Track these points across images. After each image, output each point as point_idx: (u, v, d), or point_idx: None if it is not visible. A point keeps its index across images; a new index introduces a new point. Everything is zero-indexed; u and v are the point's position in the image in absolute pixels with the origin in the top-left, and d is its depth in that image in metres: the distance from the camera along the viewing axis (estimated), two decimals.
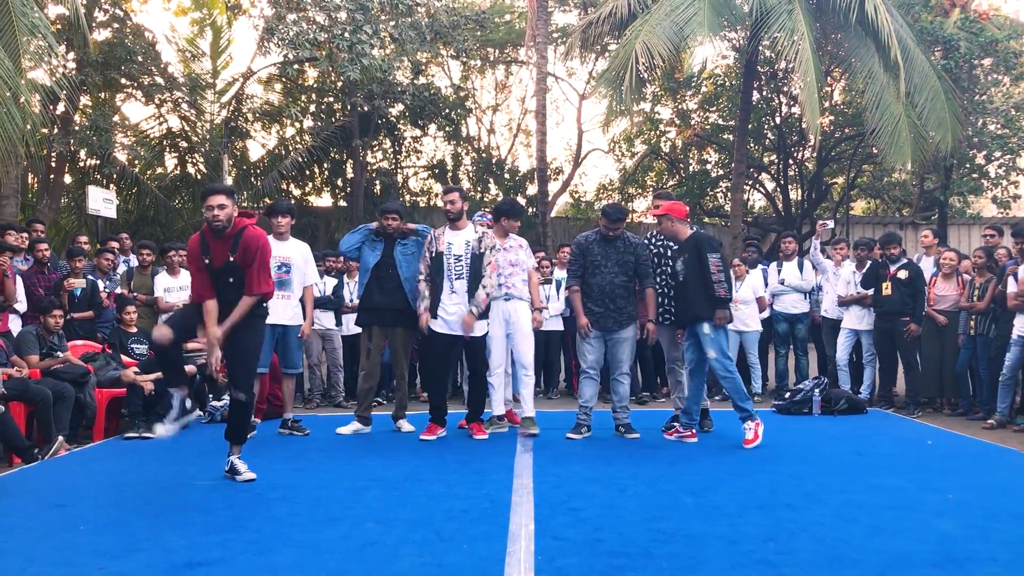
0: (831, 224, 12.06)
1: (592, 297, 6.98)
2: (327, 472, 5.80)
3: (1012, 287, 7.72)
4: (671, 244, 7.14)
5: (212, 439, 6.83)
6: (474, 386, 7.26)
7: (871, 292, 8.96)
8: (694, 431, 6.94)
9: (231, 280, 5.33)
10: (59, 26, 13.55)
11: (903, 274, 8.60)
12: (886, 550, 3.95)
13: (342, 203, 19.63)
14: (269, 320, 6.82)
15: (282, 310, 7.10)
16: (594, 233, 7.16)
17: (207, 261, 5.37)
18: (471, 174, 21.52)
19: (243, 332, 5.42)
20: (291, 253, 7.24)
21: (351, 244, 7.37)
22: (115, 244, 9.63)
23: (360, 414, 7.36)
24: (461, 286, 6.88)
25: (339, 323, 9.43)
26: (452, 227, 7.03)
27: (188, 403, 5.64)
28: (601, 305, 6.95)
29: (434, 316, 6.88)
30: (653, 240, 7.31)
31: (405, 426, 7.39)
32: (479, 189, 20.95)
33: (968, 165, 17.03)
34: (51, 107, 13.16)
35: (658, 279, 7.16)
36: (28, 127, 9.83)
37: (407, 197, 20.52)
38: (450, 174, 21.08)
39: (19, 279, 7.84)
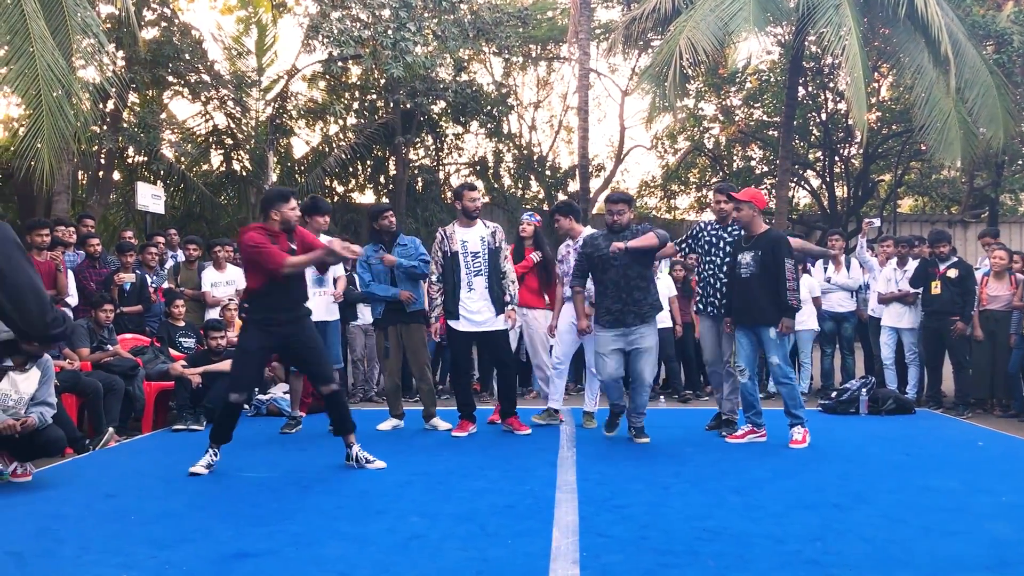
0: (877, 222, 11.89)
1: (608, 295, 6.49)
2: None
3: None
4: (724, 234, 6.95)
5: (259, 432, 6.92)
6: (503, 380, 7.18)
7: (912, 290, 8.85)
8: (764, 431, 6.71)
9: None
10: (109, 25, 13.77)
11: (953, 273, 8.45)
12: (937, 552, 3.89)
13: (385, 200, 19.74)
14: (312, 317, 6.95)
15: (322, 306, 7.14)
16: (600, 231, 6.86)
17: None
18: (512, 171, 21.54)
19: (299, 336, 5.76)
20: None
21: (370, 286, 7.33)
22: (160, 239, 9.79)
23: (394, 413, 7.40)
24: (480, 282, 6.83)
25: None
26: (464, 224, 6.97)
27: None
28: (619, 301, 6.43)
29: (456, 316, 6.85)
30: (708, 228, 7.08)
31: (440, 424, 7.23)
32: (520, 186, 20.97)
33: (1020, 162, 16.70)
34: (101, 105, 13.39)
35: (707, 266, 7.02)
36: (79, 124, 10.01)
37: (449, 194, 20.58)
38: (491, 171, 21.11)
39: (71, 273, 8.01)
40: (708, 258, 7.02)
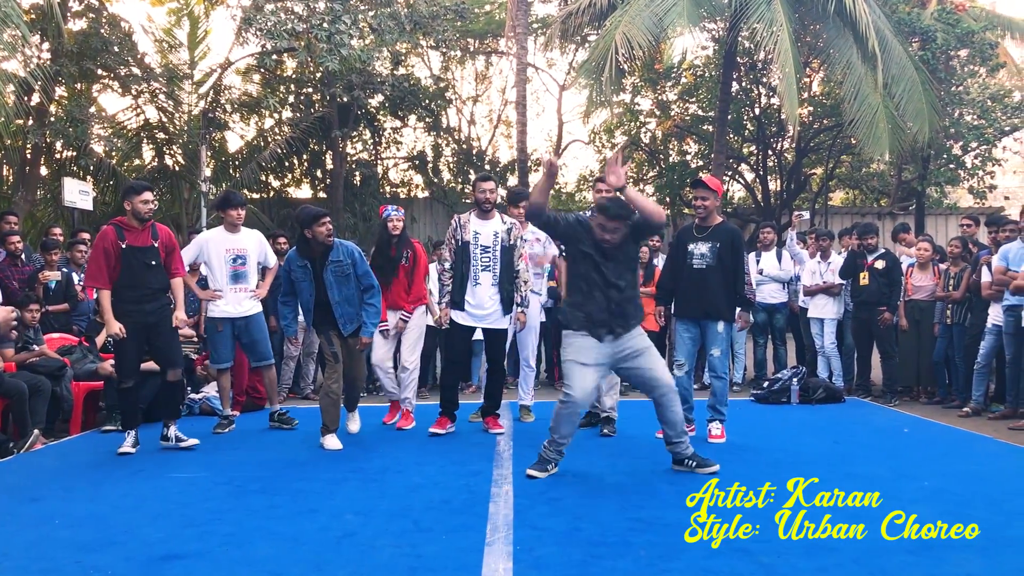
0: (807, 215, 12.12)
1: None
2: (306, 464, 5.79)
3: (986, 277, 7.80)
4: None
5: (191, 431, 6.78)
6: (492, 379, 6.95)
7: (838, 281, 9.10)
8: (694, 426, 6.61)
9: (153, 263, 6.16)
10: (33, 16, 13.38)
11: (880, 264, 8.67)
12: (862, 537, 3.99)
13: (322, 194, 19.54)
14: (229, 314, 6.91)
15: (236, 302, 7.04)
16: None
17: (124, 246, 6.08)
18: (451, 165, 21.47)
19: (158, 323, 6.21)
20: (245, 244, 7.12)
21: (287, 317, 6.72)
22: (86, 235, 9.51)
23: (334, 427, 6.79)
24: (486, 278, 6.66)
25: None
26: (481, 216, 6.77)
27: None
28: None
29: (460, 307, 6.67)
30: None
31: (352, 426, 6.89)
32: (459, 180, 20.91)
33: (945, 156, 17.15)
34: (25, 98, 13.01)
35: None
36: (2, 119, 9.72)
37: (387, 188, 20.46)
38: (431, 165, 21.02)
39: None
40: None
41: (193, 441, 6.37)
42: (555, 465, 5.39)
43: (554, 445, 5.34)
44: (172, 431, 6.36)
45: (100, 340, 8.08)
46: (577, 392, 5.16)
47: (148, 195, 6.15)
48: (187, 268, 6.89)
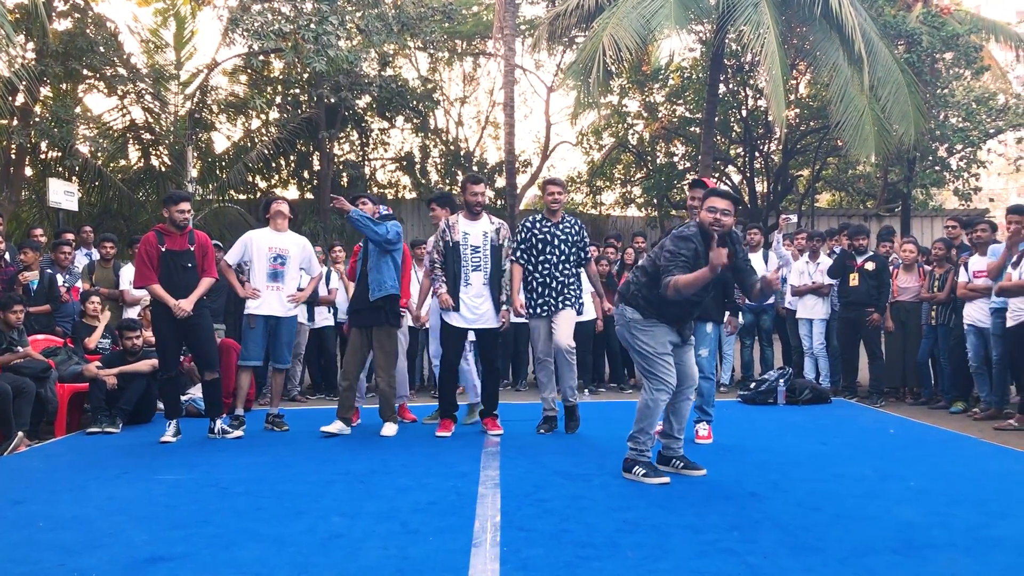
0: (794, 218, 12.18)
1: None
2: (292, 465, 5.76)
3: (963, 277, 7.85)
4: (557, 231, 6.75)
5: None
6: (489, 380, 6.93)
7: (827, 282, 9.13)
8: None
9: (188, 265, 6.70)
10: (17, 15, 13.31)
11: (870, 265, 8.70)
12: (848, 537, 3.99)
13: (309, 195, 19.51)
14: (262, 311, 7.00)
15: (276, 302, 7.08)
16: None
17: (163, 250, 6.65)
18: (439, 166, 21.47)
19: (196, 322, 6.69)
20: (288, 245, 7.19)
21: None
22: (70, 236, 9.44)
23: (342, 416, 6.96)
24: (477, 278, 6.67)
25: (311, 318, 9.29)
26: (468, 217, 6.80)
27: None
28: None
29: (455, 308, 6.64)
30: (537, 225, 6.84)
31: (389, 431, 6.88)
32: (447, 182, 20.92)
33: (930, 158, 17.27)
34: (10, 98, 12.94)
35: (541, 266, 6.75)
36: None
37: (375, 189, 20.43)
38: (418, 166, 21.00)
39: None
40: (543, 257, 6.75)
41: (238, 433, 6.84)
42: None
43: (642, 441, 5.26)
44: (218, 425, 6.84)
45: (92, 343, 8.06)
46: (672, 381, 5.15)
47: (184, 205, 6.75)
48: (233, 266, 7.22)
